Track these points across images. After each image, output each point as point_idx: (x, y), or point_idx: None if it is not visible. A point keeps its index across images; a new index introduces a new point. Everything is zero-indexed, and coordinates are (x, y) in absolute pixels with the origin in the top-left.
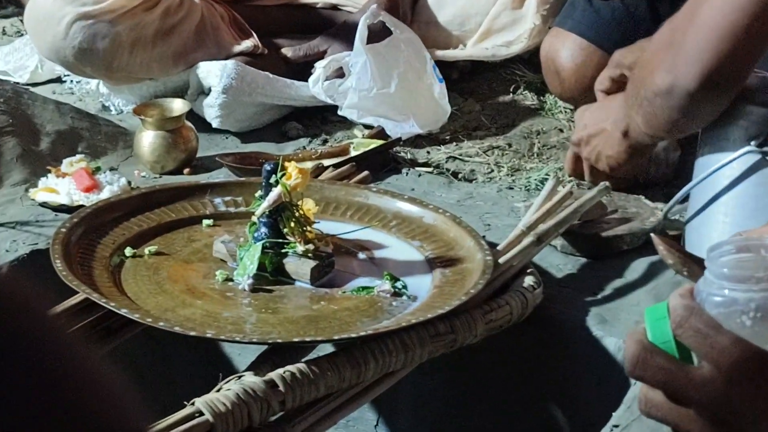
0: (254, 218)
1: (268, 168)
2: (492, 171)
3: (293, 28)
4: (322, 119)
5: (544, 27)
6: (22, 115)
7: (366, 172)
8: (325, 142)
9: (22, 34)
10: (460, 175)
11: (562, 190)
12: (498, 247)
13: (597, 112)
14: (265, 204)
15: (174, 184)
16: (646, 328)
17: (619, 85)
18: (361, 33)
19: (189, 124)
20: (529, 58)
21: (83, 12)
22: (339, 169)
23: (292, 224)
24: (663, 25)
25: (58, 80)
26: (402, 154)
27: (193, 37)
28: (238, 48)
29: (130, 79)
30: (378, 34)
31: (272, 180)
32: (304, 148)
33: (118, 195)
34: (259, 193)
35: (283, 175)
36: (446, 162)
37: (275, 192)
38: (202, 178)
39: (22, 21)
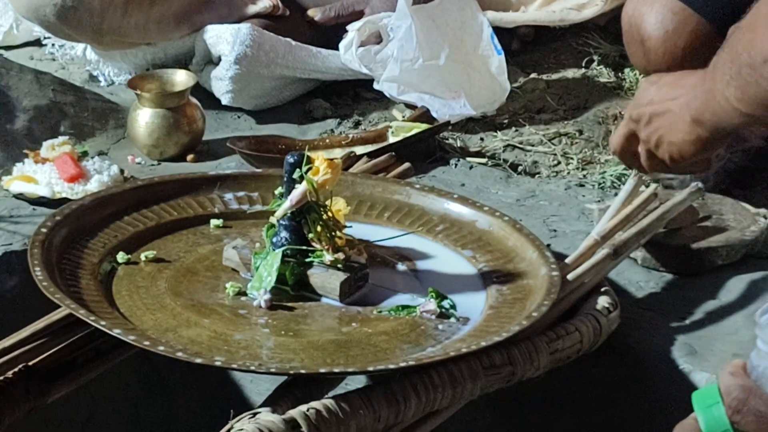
0: (273, 220)
1: (291, 160)
2: (559, 163)
3: None
4: (353, 96)
5: None
6: None
7: (407, 164)
8: (357, 124)
9: None
10: (520, 168)
11: (645, 191)
12: (566, 260)
13: (667, 88)
14: (287, 204)
15: (176, 176)
16: (697, 418)
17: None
18: None
19: (194, 100)
20: (606, 25)
21: None
22: (375, 160)
23: (319, 228)
24: None
25: (37, 43)
26: (450, 141)
27: None
28: (253, 8)
29: (123, 44)
30: None
31: (296, 175)
32: (332, 131)
33: (109, 188)
34: (279, 190)
35: (309, 169)
36: (504, 151)
37: (299, 189)
38: (210, 167)
39: None
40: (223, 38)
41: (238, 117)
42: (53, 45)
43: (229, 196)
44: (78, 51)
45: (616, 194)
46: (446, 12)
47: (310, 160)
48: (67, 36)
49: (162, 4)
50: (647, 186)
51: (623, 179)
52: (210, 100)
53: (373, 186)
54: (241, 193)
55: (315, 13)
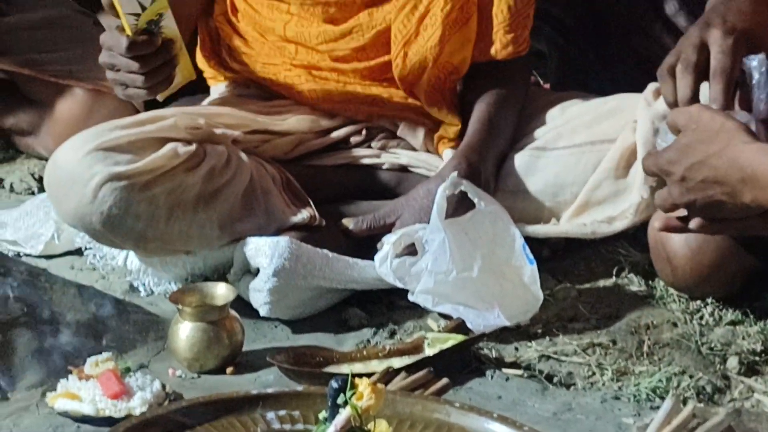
0: None
1: (336, 386)
2: (593, 374)
3: (355, 192)
4: (388, 304)
5: (653, 201)
6: (39, 302)
7: (445, 380)
8: (392, 333)
9: (33, 193)
10: (555, 379)
11: (684, 410)
12: None
13: (709, 168)
14: (332, 429)
15: (220, 396)
16: None
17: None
18: (439, 205)
19: (233, 313)
20: (635, 234)
21: (116, 172)
22: (413, 376)
23: None
24: None
25: (78, 252)
26: (485, 351)
27: (240, 203)
28: (293, 219)
29: (164, 251)
30: (456, 205)
31: (340, 400)
32: (368, 341)
33: (155, 410)
34: (323, 414)
35: (353, 394)
36: (539, 362)
37: (344, 415)
38: (249, 380)
39: (33, 176)
40: (262, 251)
41: (275, 327)
42: (94, 255)
43: (271, 415)
44: (119, 261)
45: (651, 407)
46: (478, 225)
47: (354, 385)
48: (110, 243)
49: (205, 211)
50: (685, 405)
51: (658, 392)
52: (247, 309)
53: (412, 404)
54: (282, 412)
55: (348, 223)
